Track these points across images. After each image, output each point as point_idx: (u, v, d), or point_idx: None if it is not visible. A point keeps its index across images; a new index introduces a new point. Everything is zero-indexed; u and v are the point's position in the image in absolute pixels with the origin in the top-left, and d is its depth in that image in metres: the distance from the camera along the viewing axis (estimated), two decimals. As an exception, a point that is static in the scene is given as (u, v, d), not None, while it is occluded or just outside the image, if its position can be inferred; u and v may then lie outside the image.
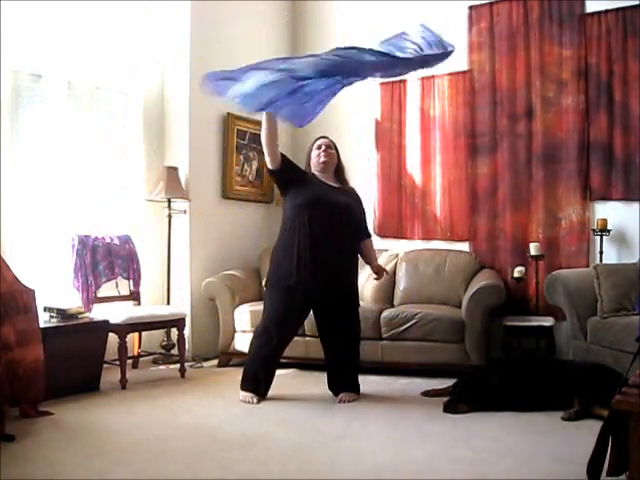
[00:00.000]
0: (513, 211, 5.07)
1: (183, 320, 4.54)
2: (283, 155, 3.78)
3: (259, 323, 3.90)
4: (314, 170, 3.89)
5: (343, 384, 3.87)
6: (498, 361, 4.49)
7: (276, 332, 3.75)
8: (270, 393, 3.86)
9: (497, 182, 5.16)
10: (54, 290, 4.36)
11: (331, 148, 3.89)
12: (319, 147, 3.86)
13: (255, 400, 3.74)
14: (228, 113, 5.36)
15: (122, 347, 4.15)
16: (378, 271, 4.00)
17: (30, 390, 3.35)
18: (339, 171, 3.92)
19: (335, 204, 3.73)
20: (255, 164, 5.67)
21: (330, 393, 3.92)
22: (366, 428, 3.26)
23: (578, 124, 4.86)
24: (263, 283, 3.84)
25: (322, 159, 3.82)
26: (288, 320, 3.79)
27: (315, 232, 3.63)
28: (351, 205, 3.85)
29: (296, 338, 4.62)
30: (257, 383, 3.79)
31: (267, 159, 3.72)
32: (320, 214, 3.66)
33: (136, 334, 4.61)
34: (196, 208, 5.12)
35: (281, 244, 3.78)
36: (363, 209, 4.03)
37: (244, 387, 3.82)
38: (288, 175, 3.79)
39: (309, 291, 3.68)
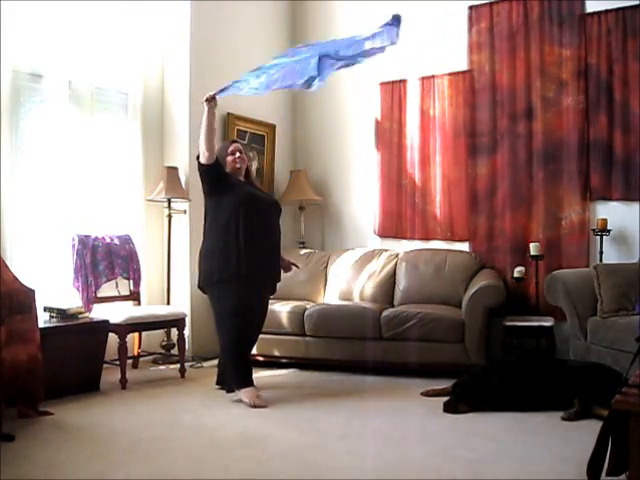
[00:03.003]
0: (513, 211, 5.07)
1: (183, 320, 4.54)
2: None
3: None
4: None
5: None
6: (498, 361, 4.49)
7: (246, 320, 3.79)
8: (270, 393, 3.86)
9: (497, 182, 5.15)
10: (54, 290, 4.35)
11: (243, 153, 4.04)
12: (233, 153, 3.98)
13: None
14: (228, 113, 5.35)
15: (122, 347, 4.15)
16: (286, 266, 4.12)
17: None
18: (248, 173, 4.10)
19: (263, 200, 3.98)
20: (255, 164, 5.66)
21: (328, 392, 3.91)
22: (366, 428, 3.26)
23: (578, 124, 4.85)
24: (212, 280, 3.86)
25: (238, 164, 3.97)
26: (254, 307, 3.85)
27: (254, 226, 3.77)
28: (273, 201, 4.15)
29: (296, 338, 4.64)
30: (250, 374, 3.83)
31: (204, 153, 3.75)
32: (256, 209, 3.84)
33: (136, 334, 4.61)
34: (196, 208, 5.11)
35: (223, 241, 3.77)
36: None
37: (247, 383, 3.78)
38: (219, 172, 3.87)
39: (264, 280, 3.91)
